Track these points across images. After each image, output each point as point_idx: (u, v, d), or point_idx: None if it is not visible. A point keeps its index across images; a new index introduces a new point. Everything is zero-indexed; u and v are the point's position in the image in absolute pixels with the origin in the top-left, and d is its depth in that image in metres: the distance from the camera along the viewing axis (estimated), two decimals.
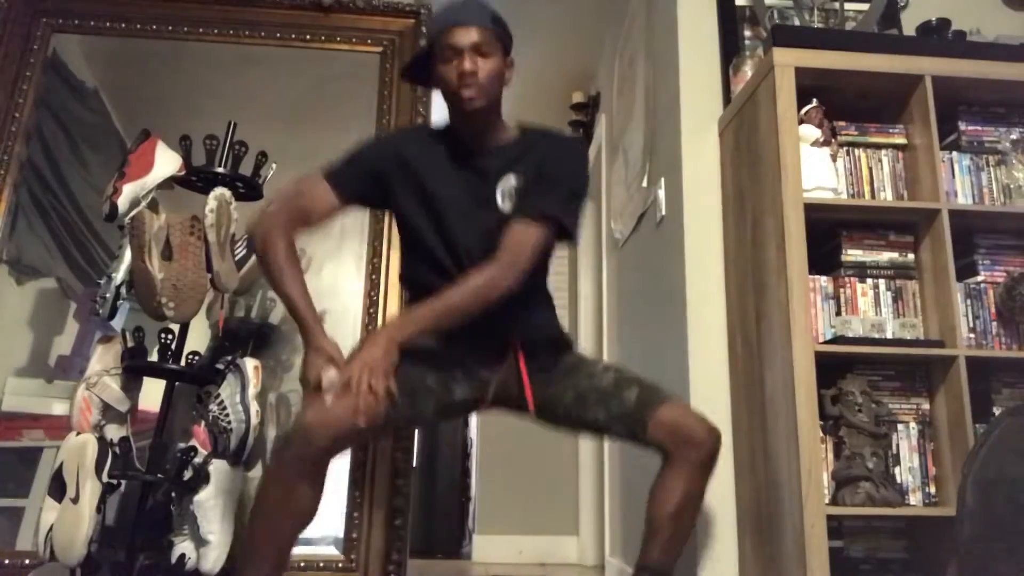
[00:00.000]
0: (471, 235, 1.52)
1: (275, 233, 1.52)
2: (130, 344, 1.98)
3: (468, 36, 1.48)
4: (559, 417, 1.61)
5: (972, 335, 1.78)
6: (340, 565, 2.20)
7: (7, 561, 2.10)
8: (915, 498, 1.71)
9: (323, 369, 1.38)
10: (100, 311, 2.00)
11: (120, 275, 2.00)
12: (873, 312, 1.80)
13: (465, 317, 1.45)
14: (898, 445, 1.73)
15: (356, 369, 1.34)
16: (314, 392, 1.36)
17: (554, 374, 1.59)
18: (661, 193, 2.31)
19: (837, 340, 1.72)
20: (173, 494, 1.95)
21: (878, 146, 1.92)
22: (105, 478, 1.83)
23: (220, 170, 2.05)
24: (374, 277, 2.46)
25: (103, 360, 1.97)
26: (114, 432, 1.94)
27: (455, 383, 1.55)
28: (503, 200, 1.54)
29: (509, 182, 1.55)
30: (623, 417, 1.53)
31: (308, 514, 1.36)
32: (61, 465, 1.84)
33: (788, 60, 1.78)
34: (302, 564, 2.19)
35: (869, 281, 1.82)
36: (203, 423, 1.94)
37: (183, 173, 2.07)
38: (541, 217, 1.50)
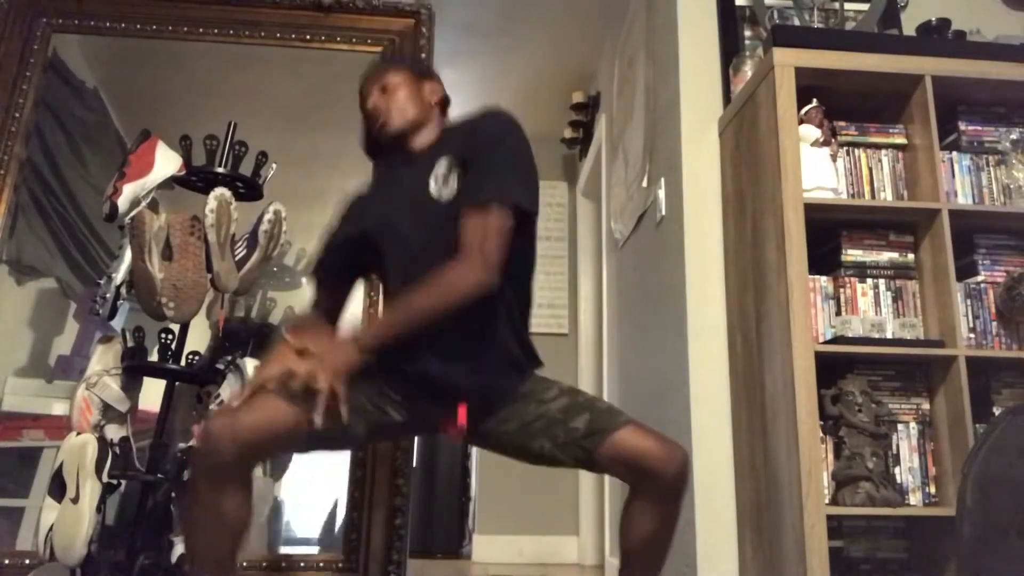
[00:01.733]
0: (422, 233, 1.46)
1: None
2: (130, 344, 1.98)
3: (362, 96, 1.62)
4: (502, 445, 1.50)
5: (972, 335, 1.78)
6: (340, 565, 2.20)
7: (7, 561, 2.10)
8: (915, 498, 1.71)
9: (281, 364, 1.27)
10: (100, 311, 2.00)
11: (120, 275, 2.00)
12: (873, 312, 1.80)
13: (435, 318, 1.35)
14: (898, 445, 1.73)
15: (313, 367, 1.24)
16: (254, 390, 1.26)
17: (499, 407, 1.47)
18: (661, 193, 2.31)
19: (837, 340, 1.72)
20: (173, 494, 1.95)
21: (878, 146, 1.92)
22: (105, 478, 1.83)
23: (220, 170, 2.05)
24: (374, 277, 2.46)
25: (103, 360, 1.97)
26: (114, 432, 1.94)
27: (390, 405, 1.43)
28: (436, 187, 1.47)
29: (439, 169, 1.48)
30: (568, 446, 1.41)
31: (240, 523, 1.26)
32: (61, 465, 1.83)
33: (788, 60, 1.78)
34: (302, 564, 2.19)
35: (869, 281, 1.82)
36: (203, 423, 1.94)
37: (183, 173, 2.07)
38: (490, 200, 1.39)
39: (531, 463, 1.50)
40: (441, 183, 1.47)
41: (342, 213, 1.66)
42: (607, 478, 3.14)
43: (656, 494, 1.37)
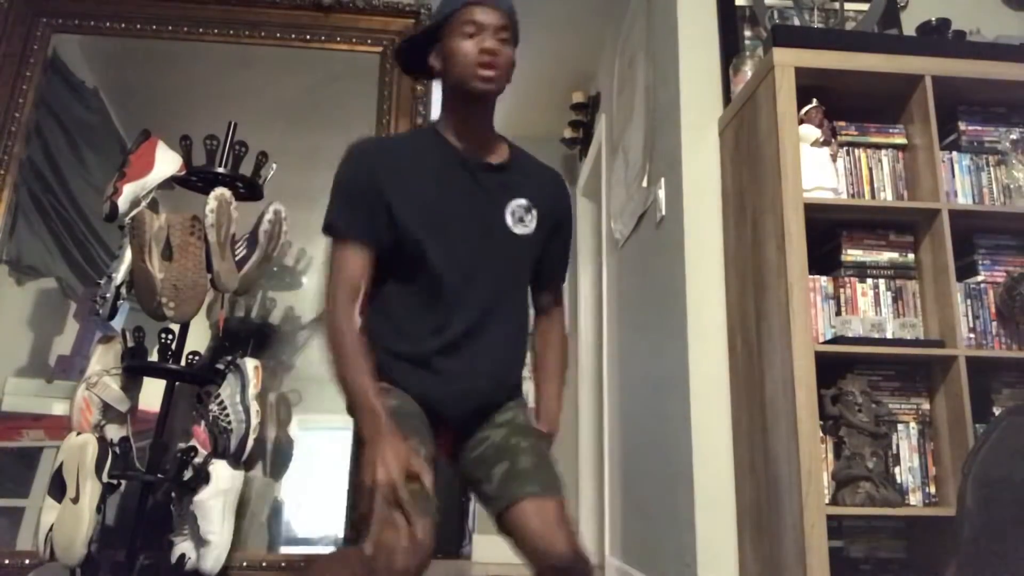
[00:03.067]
0: (478, 252, 1.35)
1: (343, 323, 1.28)
2: (130, 344, 1.98)
3: (495, 16, 1.33)
4: (465, 475, 1.38)
5: (972, 335, 1.78)
6: None
7: (7, 561, 2.10)
8: (915, 498, 1.71)
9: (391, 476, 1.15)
10: (100, 311, 2.00)
11: (120, 275, 2.00)
12: (873, 312, 1.80)
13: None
14: (898, 445, 1.73)
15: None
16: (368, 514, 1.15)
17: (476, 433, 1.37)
18: (661, 193, 2.31)
19: (837, 340, 1.72)
20: (173, 494, 1.95)
21: (878, 146, 1.92)
22: (105, 478, 1.83)
23: (220, 170, 2.05)
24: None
25: (103, 360, 1.98)
26: (114, 432, 1.94)
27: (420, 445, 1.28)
28: (513, 222, 1.39)
29: (519, 203, 1.40)
30: (501, 511, 1.25)
31: None
32: (61, 465, 1.84)
33: (788, 60, 1.78)
34: (302, 564, 2.19)
35: (869, 281, 1.82)
36: (203, 423, 1.94)
37: (183, 173, 2.07)
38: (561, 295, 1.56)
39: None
40: (516, 220, 1.39)
41: (367, 170, 1.36)
42: (607, 478, 3.14)
43: None
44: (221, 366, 2.01)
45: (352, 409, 1.24)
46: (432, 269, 1.32)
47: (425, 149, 1.39)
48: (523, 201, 1.40)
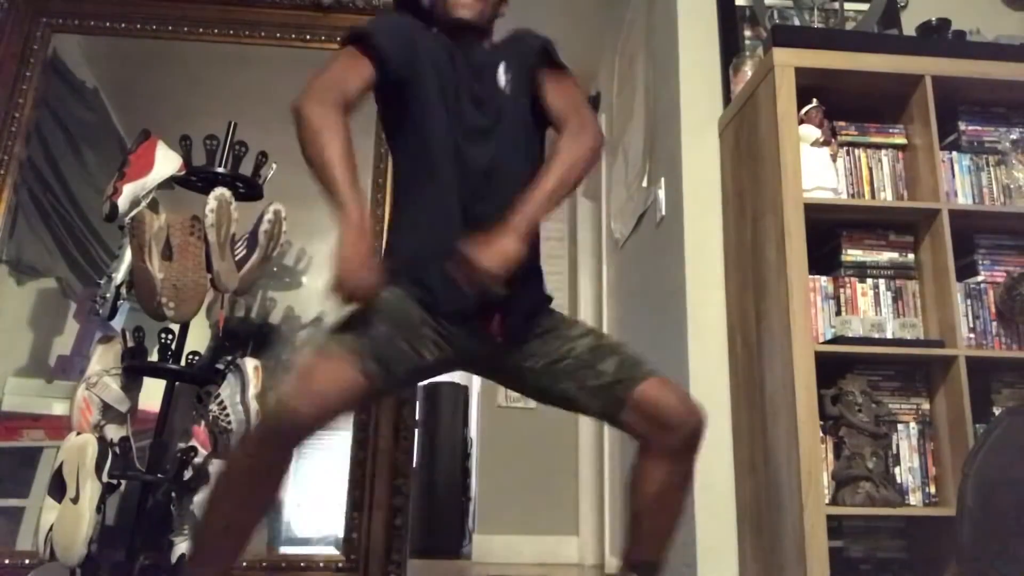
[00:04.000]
0: (478, 115, 1.46)
1: (318, 110, 1.36)
2: (130, 344, 1.98)
3: None
4: (527, 386, 1.46)
5: (972, 335, 1.78)
6: (340, 565, 2.20)
7: (7, 561, 2.10)
8: (915, 498, 1.71)
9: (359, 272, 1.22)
10: (100, 311, 2.00)
11: (120, 275, 2.00)
12: (873, 312, 1.80)
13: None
14: (898, 445, 1.73)
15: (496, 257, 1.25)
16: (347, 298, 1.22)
17: (529, 338, 1.43)
18: (661, 193, 2.31)
19: (837, 340, 1.72)
20: (173, 494, 1.95)
21: (878, 146, 1.92)
22: (105, 478, 1.83)
23: (220, 170, 2.05)
24: None
25: (103, 360, 1.97)
26: (114, 432, 1.94)
27: (424, 345, 1.35)
28: (504, 81, 1.50)
29: (501, 70, 1.52)
30: (598, 392, 1.37)
31: (272, 505, 1.26)
32: (61, 465, 1.83)
33: (788, 60, 1.79)
34: (302, 564, 2.19)
35: (869, 281, 1.82)
36: (203, 423, 1.94)
37: (183, 173, 2.07)
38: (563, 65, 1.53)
39: (550, 404, 1.46)
40: (507, 80, 1.50)
41: (403, 23, 1.51)
42: (607, 478, 3.14)
43: (668, 449, 1.34)
44: (221, 366, 2.01)
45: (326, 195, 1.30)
46: (439, 128, 1.42)
47: (435, 37, 1.52)
48: (503, 66, 1.51)
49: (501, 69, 1.50)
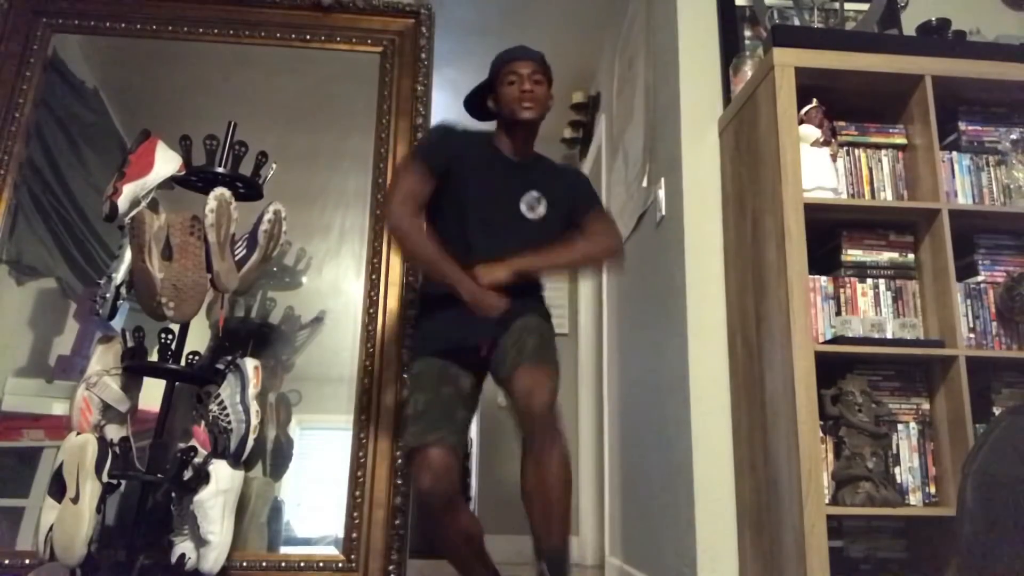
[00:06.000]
0: (493, 225, 1.88)
1: (406, 222, 1.82)
2: (130, 344, 1.98)
3: (528, 66, 1.94)
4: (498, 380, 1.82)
5: (972, 335, 1.78)
6: (340, 565, 2.20)
7: (7, 561, 2.10)
8: (915, 498, 1.71)
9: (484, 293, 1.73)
10: (100, 311, 2.00)
11: (120, 275, 2.00)
12: (873, 312, 1.80)
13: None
14: (898, 445, 1.73)
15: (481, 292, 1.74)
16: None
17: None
18: (661, 193, 2.31)
19: (837, 340, 1.72)
20: (173, 494, 1.95)
21: (878, 146, 1.92)
22: (105, 478, 1.83)
23: (220, 170, 2.05)
24: (374, 277, 2.46)
25: (103, 360, 1.97)
26: (114, 432, 1.94)
27: (457, 379, 1.83)
28: (526, 208, 1.93)
29: (532, 195, 1.94)
30: (502, 377, 1.74)
31: (478, 529, 1.79)
32: (61, 465, 1.83)
33: (788, 60, 1.78)
34: (302, 564, 2.19)
35: (869, 281, 1.82)
36: (203, 423, 1.94)
37: (183, 173, 2.07)
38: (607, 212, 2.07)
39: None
40: (527, 208, 1.93)
41: (455, 134, 1.94)
42: (607, 479, 3.14)
43: (529, 436, 1.61)
44: (221, 366, 2.01)
45: (429, 275, 1.93)
46: (461, 228, 1.87)
47: (483, 144, 1.98)
48: (535, 193, 1.95)
49: (538, 198, 1.94)
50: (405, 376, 2.39)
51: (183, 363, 1.98)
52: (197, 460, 1.90)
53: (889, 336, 1.76)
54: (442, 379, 1.80)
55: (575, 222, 1.98)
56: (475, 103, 2.05)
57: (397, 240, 1.89)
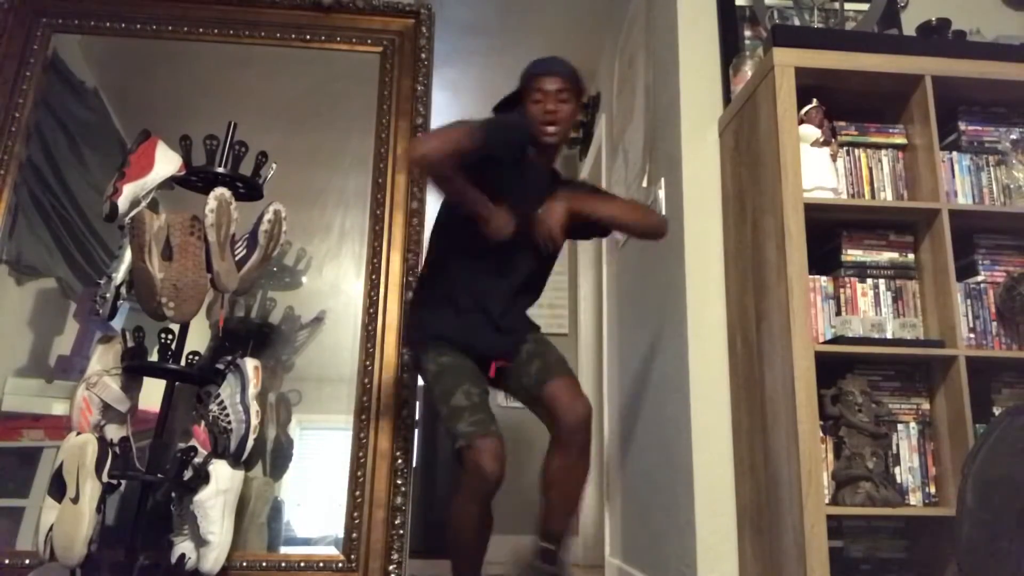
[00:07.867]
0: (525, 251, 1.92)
1: (438, 151, 1.72)
2: (130, 344, 1.98)
3: (555, 82, 1.88)
4: (511, 391, 1.96)
5: (972, 335, 1.78)
6: (340, 565, 2.20)
7: (7, 561, 2.10)
8: (915, 498, 1.71)
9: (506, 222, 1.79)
10: (100, 311, 2.00)
11: (120, 275, 2.00)
12: (873, 312, 1.80)
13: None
14: (898, 445, 1.73)
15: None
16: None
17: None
18: (661, 193, 2.31)
19: (837, 340, 1.72)
20: (173, 494, 1.95)
21: (878, 146, 1.92)
22: (105, 478, 1.83)
23: (220, 170, 2.05)
24: (374, 277, 2.46)
25: (103, 360, 1.97)
26: (114, 432, 1.94)
27: (478, 372, 1.88)
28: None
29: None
30: (524, 388, 1.86)
31: (489, 528, 1.86)
32: (61, 465, 1.83)
33: (788, 60, 1.78)
34: (302, 564, 2.19)
35: (869, 281, 1.82)
36: (203, 423, 1.94)
37: (183, 173, 2.07)
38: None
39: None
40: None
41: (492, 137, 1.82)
42: (607, 478, 3.14)
43: (562, 439, 1.80)
44: (221, 366, 2.01)
45: (462, 205, 1.83)
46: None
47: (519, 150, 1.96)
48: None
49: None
50: (405, 376, 2.39)
51: (183, 363, 1.98)
52: (197, 460, 1.90)
53: (889, 336, 1.76)
54: (477, 374, 1.86)
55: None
56: (505, 111, 2.01)
57: (428, 165, 1.76)
